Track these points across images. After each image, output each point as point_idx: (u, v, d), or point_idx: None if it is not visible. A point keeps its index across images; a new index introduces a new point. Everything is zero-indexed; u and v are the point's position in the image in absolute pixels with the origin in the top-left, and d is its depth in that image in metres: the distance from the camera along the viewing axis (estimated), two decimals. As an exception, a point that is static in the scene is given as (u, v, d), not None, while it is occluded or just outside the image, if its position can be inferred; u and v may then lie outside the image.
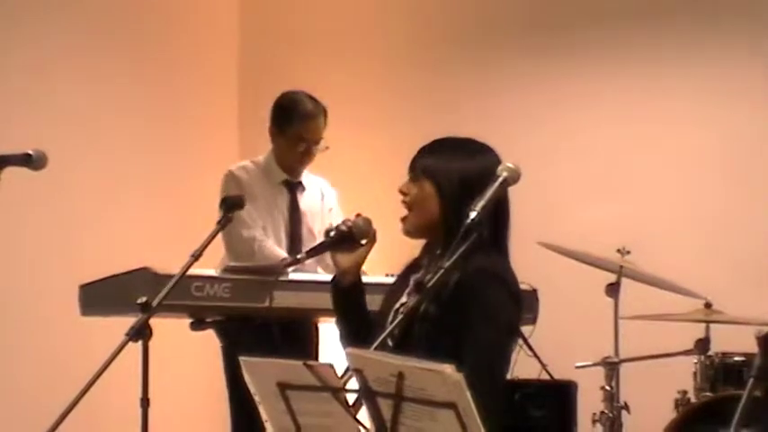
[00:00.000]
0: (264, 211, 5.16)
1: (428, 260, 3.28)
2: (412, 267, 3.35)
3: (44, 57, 6.32)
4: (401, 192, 3.28)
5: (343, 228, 3.32)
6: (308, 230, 5.24)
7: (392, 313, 3.23)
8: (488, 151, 3.29)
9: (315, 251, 3.46)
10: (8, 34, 6.19)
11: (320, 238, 5.14)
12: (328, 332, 4.99)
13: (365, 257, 3.34)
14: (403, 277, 3.35)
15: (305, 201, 5.29)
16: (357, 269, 3.34)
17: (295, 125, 5.17)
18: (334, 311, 3.40)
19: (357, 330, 3.29)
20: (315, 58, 7.11)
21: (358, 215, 3.36)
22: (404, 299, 3.26)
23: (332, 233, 3.34)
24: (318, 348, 5.16)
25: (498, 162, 3.21)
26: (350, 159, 6.59)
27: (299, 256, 3.58)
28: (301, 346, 4.95)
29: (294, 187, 5.28)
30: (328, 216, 5.30)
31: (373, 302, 3.40)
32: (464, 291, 3.06)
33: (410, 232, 3.28)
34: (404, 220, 3.27)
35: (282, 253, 5.05)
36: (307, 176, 5.33)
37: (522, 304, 3.22)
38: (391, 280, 3.46)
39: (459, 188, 3.18)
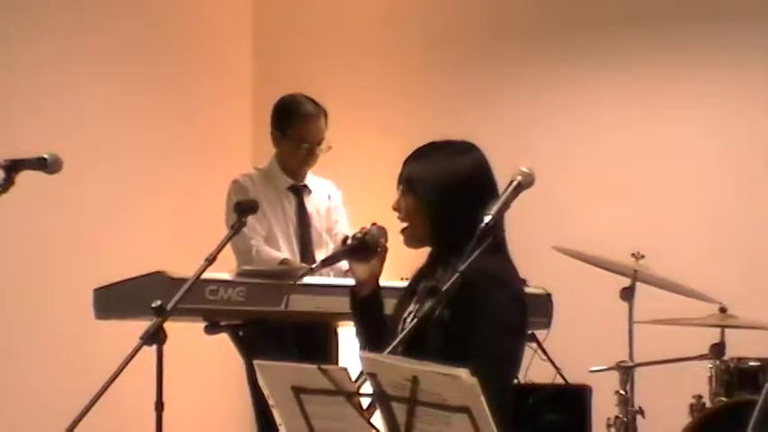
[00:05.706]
0: (272, 218, 5.15)
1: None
2: (420, 276, 3.35)
3: (59, 61, 6.33)
4: (394, 209, 3.29)
5: (359, 236, 3.33)
6: (317, 233, 5.24)
7: (401, 322, 3.24)
8: (468, 150, 3.29)
9: (330, 260, 3.46)
10: (23, 39, 6.20)
11: (329, 239, 5.20)
12: (347, 336, 4.99)
13: (381, 267, 3.35)
14: (412, 286, 3.36)
15: (312, 203, 5.29)
16: (375, 279, 3.34)
17: (296, 127, 5.18)
18: (354, 320, 3.41)
19: (377, 338, 3.29)
20: (328, 63, 7.11)
21: (373, 224, 3.36)
22: (411, 307, 3.27)
23: (347, 242, 3.34)
24: (338, 353, 5.15)
25: (479, 158, 3.25)
26: (363, 163, 6.60)
27: (313, 266, 3.57)
28: (318, 351, 4.93)
29: (300, 191, 5.28)
30: (335, 214, 5.30)
31: (390, 307, 3.40)
32: (467, 294, 3.05)
33: (409, 244, 3.29)
34: (403, 232, 3.29)
35: (280, 255, 5.04)
36: (312, 179, 5.32)
37: (527, 304, 3.21)
38: (406, 284, 3.46)
39: (441, 196, 3.20)
